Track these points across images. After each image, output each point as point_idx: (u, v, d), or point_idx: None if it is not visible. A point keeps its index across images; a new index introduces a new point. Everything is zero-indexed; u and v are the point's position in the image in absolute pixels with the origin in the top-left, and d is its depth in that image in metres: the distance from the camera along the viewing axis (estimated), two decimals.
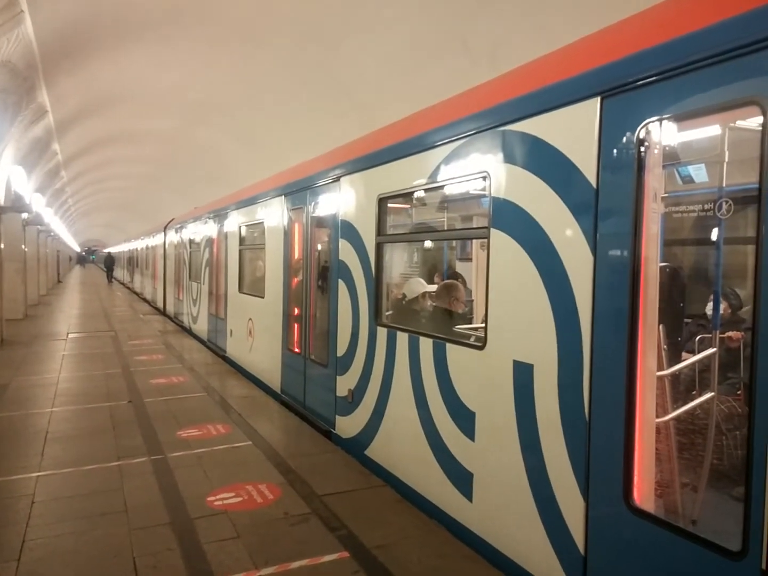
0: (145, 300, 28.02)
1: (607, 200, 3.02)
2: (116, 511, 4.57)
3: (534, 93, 3.61)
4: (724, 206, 2.98)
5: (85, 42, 11.40)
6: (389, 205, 5.57)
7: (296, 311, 7.81)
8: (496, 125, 3.86)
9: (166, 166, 26.26)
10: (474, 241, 7.26)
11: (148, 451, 5.96)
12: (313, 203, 7.20)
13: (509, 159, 3.75)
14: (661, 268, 3.02)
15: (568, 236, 3.26)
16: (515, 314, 3.70)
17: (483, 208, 5.32)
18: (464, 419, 4.13)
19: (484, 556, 3.86)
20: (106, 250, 63.94)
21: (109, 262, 48.75)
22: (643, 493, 2.87)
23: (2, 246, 13.97)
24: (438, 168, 4.53)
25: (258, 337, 9.58)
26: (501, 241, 3.80)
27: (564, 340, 3.26)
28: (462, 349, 4.27)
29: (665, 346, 3.17)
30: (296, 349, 7.75)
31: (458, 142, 4.27)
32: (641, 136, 2.83)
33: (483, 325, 4.06)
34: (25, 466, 5.54)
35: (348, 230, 6.07)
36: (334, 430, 6.40)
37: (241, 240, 10.77)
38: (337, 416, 6.35)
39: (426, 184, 4.76)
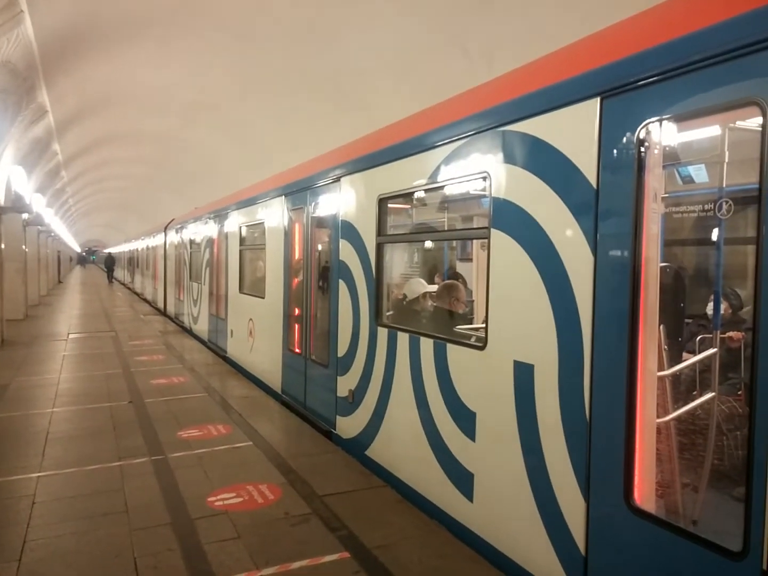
0: (145, 300, 28.03)
1: (608, 200, 3.02)
2: (117, 512, 4.57)
3: (534, 93, 3.61)
4: (725, 206, 2.98)
5: (85, 42, 11.40)
6: (389, 205, 5.57)
7: (297, 311, 7.81)
8: (497, 125, 3.86)
9: (165, 167, 26.27)
10: (474, 241, 7.26)
11: (149, 452, 5.96)
12: (313, 203, 7.20)
13: (509, 159, 3.75)
14: (661, 268, 3.02)
15: (568, 236, 3.26)
16: (516, 314, 3.70)
17: (483, 209, 5.32)
18: (465, 419, 4.14)
19: (485, 557, 3.86)
20: (107, 251, 63.96)
21: (110, 262, 48.78)
22: (644, 494, 2.87)
23: (3, 246, 13.98)
24: (438, 168, 4.53)
25: (258, 338, 9.58)
26: (501, 241, 3.80)
27: (564, 340, 3.26)
28: (463, 349, 4.27)
29: (666, 347, 3.17)
30: (297, 350, 7.75)
31: (458, 142, 4.27)
32: (641, 136, 2.83)
33: (483, 325, 4.06)
34: (26, 467, 5.54)
35: (348, 230, 6.07)
36: (335, 430, 6.40)
37: (242, 240, 10.77)
38: (337, 416, 6.35)
39: (426, 184, 4.76)
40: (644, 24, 3.08)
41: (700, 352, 3.71)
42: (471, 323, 6.05)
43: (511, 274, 3.74)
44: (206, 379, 9.61)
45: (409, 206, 6.89)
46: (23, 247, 18.11)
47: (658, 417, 3.01)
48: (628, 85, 2.90)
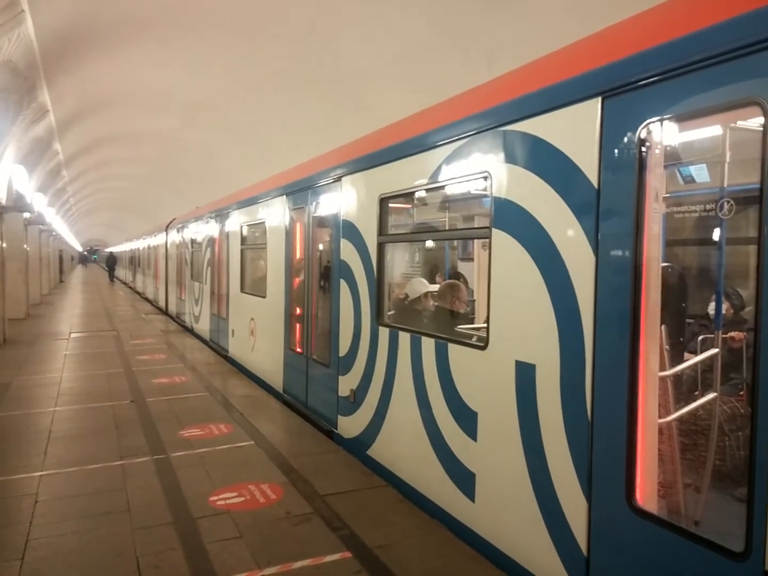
0: (147, 299, 28.05)
1: (609, 200, 3.02)
2: (119, 511, 4.58)
3: (535, 93, 3.60)
4: (726, 206, 2.97)
5: (86, 42, 11.41)
6: (391, 205, 5.57)
7: (298, 311, 7.81)
8: (498, 125, 3.86)
9: (165, 166, 26.29)
10: (475, 241, 7.26)
11: (151, 451, 5.97)
12: (314, 203, 7.20)
13: (511, 159, 3.75)
14: (663, 268, 3.02)
15: (569, 236, 3.26)
16: (517, 314, 3.70)
17: (484, 208, 5.32)
18: (466, 419, 4.14)
19: (487, 557, 3.86)
20: (108, 250, 63.99)
21: (111, 261, 48.83)
22: (646, 494, 2.87)
23: (4, 245, 13.99)
24: (439, 168, 4.53)
25: (260, 337, 9.59)
26: (503, 241, 3.80)
27: (566, 340, 3.26)
28: (464, 349, 4.27)
29: (667, 347, 3.17)
30: (298, 349, 7.76)
31: (459, 142, 4.27)
32: (642, 136, 2.83)
33: (485, 325, 4.06)
34: (28, 466, 5.55)
35: (349, 230, 6.07)
36: (336, 430, 6.40)
37: (243, 240, 10.77)
38: (339, 416, 6.35)
39: (427, 184, 4.76)
40: (645, 24, 3.08)
41: (701, 353, 3.71)
42: (472, 323, 6.05)
43: (512, 273, 3.74)
44: (208, 379, 9.62)
45: (411, 206, 6.90)
46: (24, 246, 18.13)
47: (659, 417, 3.01)
48: (629, 85, 2.89)
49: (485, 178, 3.99)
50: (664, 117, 2.76)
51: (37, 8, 8.99)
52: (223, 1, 10.31)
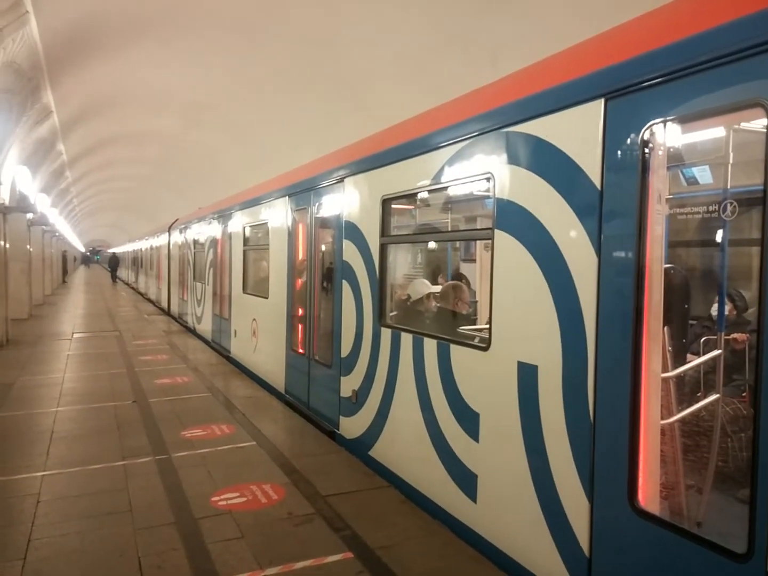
0: (149, 300, 28.09)
1: (612, 202, 3.02)
2: (121, 511, 4.58)
3: (538, 94, 3.61)
4: (729, 208, 2.97)
5: (89, 43, 11.44)
6: (393, 206, 5.58)
7: (300, 312, 7.82)
8: (501, 126, 3.86)
9: (168, 167, 26.35)
10: (478, 242, 7.26)
11: (153, 451, 5.98)
12: (317, 204, 7.21)
13: (513, 160, 3.75)
14: (665, 269, 3.02)
15: (572, 237, 3.26)
16: (519, 315, 3.70)
17: (487, 210, 5.32)
18: (468, 420, 4.13)
19: (488, 558, 3.85)
20: (111, 251, 64.09)
21: (114, 262, 48.92)
22: (648, 495, 2.86)
23: (7, 246, 14.03)
24: (442, 169, 4.53)
25: (262, 338, 9.60)
26: (505, 242, 3.80)
27: (568, 341, 3.26)
28: (466, 350, 4.27)
29: (670, 348, 3.17)
30: (300, 350, 7.76)
31: (462, 143, 4.27)
32: (645, 137, 2.83)
33: (487, 326, 4.06)
34: (31, 466, 5.56)
35: (352, 231, 6.08)
36: (338, 430, 6.40)
37: (246, 240, 10.79)
38: (341, 417, 6.35)
39: (430, 185, 4.76)
40: (649, 25, 3.08)
41: (704, 354, 3.71)
42: (474, 324, 6.05)
43: (514, 275, 3.74)
44: (210, 379, 9.63)
45: (413, 207, 6.90)
46: (28, 246, 18.17)
47: (662, 418, 3.01)
48: (632, 87, 2.89)
49: (488, 179, 4.00)
50: (667, 118, 2.76)
51: (41, 9, 9.02)
52: (224, 1, 10.34)
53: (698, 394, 3.93)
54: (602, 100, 3.06)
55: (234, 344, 11.48)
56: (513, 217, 3.73)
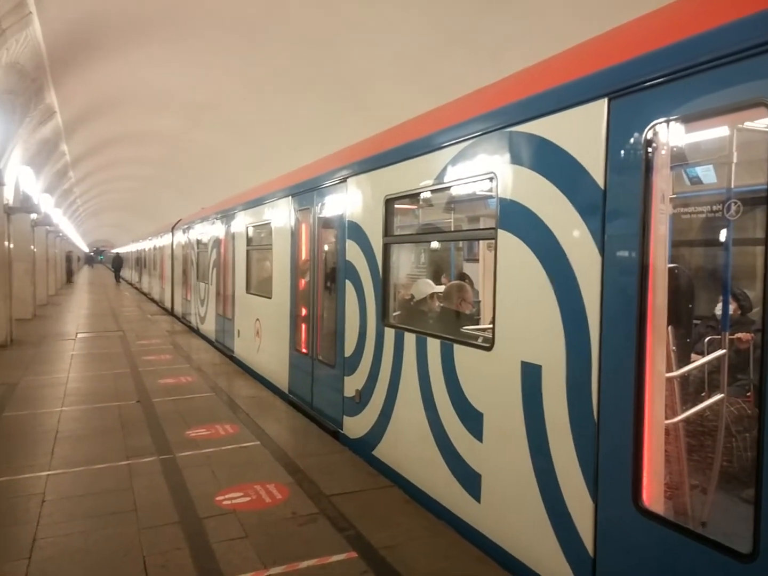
0: (153, 300, 28.14)
1: (615, 201, 3.02)
2: (125, 511, 4.60)
3: (541, 94, 3.60)
4: (733, 207, 2.97)
5: (93, 43, 11.48)
6: (396, 206, 5.58)
7: (303, 312, 7.83)
8: (504, 126, 3.86)
9: (171, 167, 26.41)
10: (481, 242, 7.26)
11: (157, 451, 5.99)
12: (320, 204, 7.21)
13: (516, 160, 3.75)
14: (669, 269, 3.01)
15: (575, 237, 3.26)
16: (523, 315, 3.70)
17: (490, 209, 5.32)
18: (472, 420, 4.14)
19: (493, 558, 3.85)
20: (114, 251, 64.19)
21: (117, 262, 49.00)
22: (653, 495, 2.86)
23: (11, 246, 14.06)
24: (445, 169, 4.53)
25: (265, 338, 9.61)
26: (508, 242, 3.80)
27: (572, 341, 3.25)
28: (470, 349, 4.27)
29: (674, 348, 3.17)
30: (303, 350, 7.77)
31: (465, 143, 4.27)
32: (649, 137, 2.82)
33: (490, 325, 4.06)
34: (35, 465, 5.58)
35: (355, 231, 6.08)
36: (342, 430, 6.41)
37: (249, 240, 10.80)
38: (344, 416, 6.36)
39: (433, 185, 4.76)
40: (652, 25, 3.07)
41: (708, 354, 3.70)
42: (478, 324, 6.05)
43: (518, 274, 3.74)
44: (213, 379, 9.64)
45: (416, 207, 6.90)
46: (31, 247, 18.21)
47: (666, 418, 3.00)
48: (635, 86, 2.89)
49: (491, 179, 3.99)
50: (671, 118, 2.75)
51: (45, 10, 9.04)
52: (225, 2, 10.36)
53: (702, 394, 3.93)
54: (605, 100, 3.06)
55: (237, 344, 11.50)
56: (516, 217, 3.73)
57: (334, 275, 6.86)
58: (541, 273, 3.48)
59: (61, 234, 31.96)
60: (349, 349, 6.21)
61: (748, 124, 2.87)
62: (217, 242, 13.36)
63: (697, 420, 3.61)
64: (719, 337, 3.51)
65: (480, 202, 6.54)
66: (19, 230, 16.06)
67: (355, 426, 6.07)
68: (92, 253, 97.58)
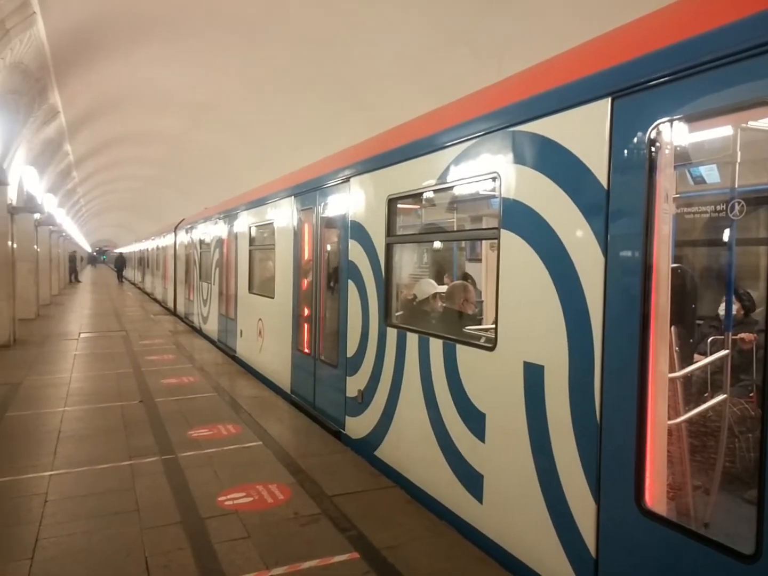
0: (155, 300, 28.18)
1: (618, 201, 3.01)
2: (128, 511, 4.60)
3: (544, 94, 3.60)
4: (737, 207, 2.95)
5: (96, 43, 11.51)
6: (399, 205, 5.57)
7: (306, 312, 7.83)
8: (507, 126, 3.85)
9: (173, 167, 26.45)
10: (484, 241, 7.25)
11: (160, 451, 5.99)
12: (322, 204, 7.21)
13: (519, 160, 3.74)
14: (672, 269, 3.00)
15: (578, 237, 3.25)
16: (526, 315, 3.69)
17: (493, 209, 5.31)
18: (474, 420, 4.13)
19: (495, 558, 3.85)
20: (117, 251, 64.30)
21: (120, 262, 49.08)
22: (655, 496, 2.85)
23: (15, 246, 14.10)
24: (448, 169, 4.53)
25: (268, 338, 9.61)
26: (511, 242, 3.79)
27: (575, 341, 3.25)
28: (472, 350, 4.27)
29: (677, 348, 3.16)
30: (306, 350, 7.77)
31: (468, 142, 4.26)
32: (652, 136, 2.81)
33: (493, 326, 4.06)
34: (38, 465, 5.59)
35: (358, 231, 6.08)
36: (344, 430, 6.41)
37: (251, 240, 10.81)
38: (346, 417, 6.36)
39: (436, 184, 4.76)
40: (655, 24, 3.06)
41: (711, 354, 3.69)
42: (480, 324, 6.04)
43: (521, 274, 3.73)
44: (216, 379, 9.65)
45: (419, 207, 6.89)
46: (35, 247, 18.25)
47: (669, 419, 3.00)
48: (639, 86, 2.88)
49: (494, 178, 3.99)
50: (675, 117, 2.74)
51: (48, 10, 9.06)
52: (226, 2, 10.37)
53: (705, 395, 3.92)
54: (609, 99, 3.05)
55: (240, 344, 11.51)
56: (519, 217, 3.72)
57: (336, 275, 6.86)
58: (544, 273, 3.48)
59: (64, 234, 32.01)
60: (351, 349, 6.21)
61: (752, 123, 2.86)
62: (219, 242, 13.37)
63: (699, 420, 3.59)
64: (722, 337, 3.49)
65: (483, 202, 6.53)
66: (23, 230, 16.09)
67: (358, 426, 6.07)
68: (95, 253, 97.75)
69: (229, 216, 12.42)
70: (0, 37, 8.59)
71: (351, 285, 6.22)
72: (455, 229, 7.57)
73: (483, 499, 4.04)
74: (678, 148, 3.07)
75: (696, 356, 3.96)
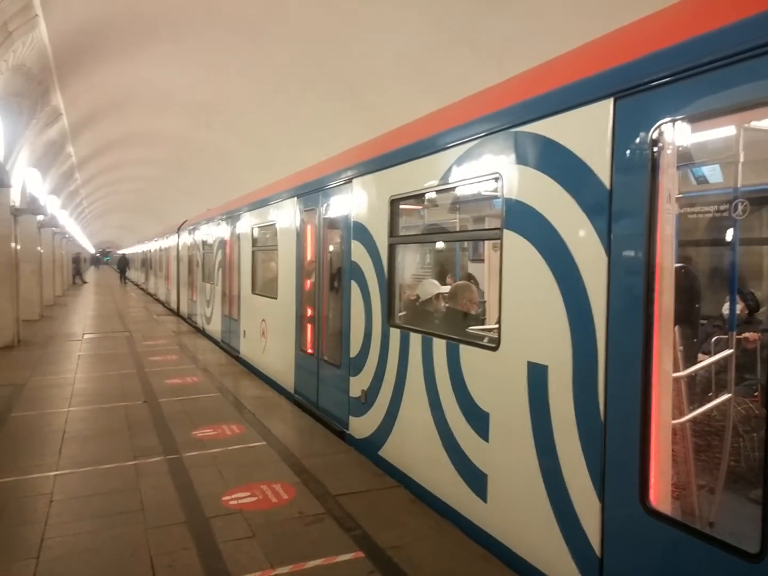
0: (158, 301, 28.22)
1: (621, 201, 3.01)
2: (133, 510, 4.62)
3: (547, 94, 3.60)
4: (740, 207, 2.96)
5: (98, 45, 11.53)
6: (401, 206, 5.58)
7: (309, 312, 7.84)
8: (509, 126, 3.86)
9: (176, 168, 26.49)
10: (486, 242, 7.26)
11: (164, 451, 6.01)
12: (325, 205, 7.22)
13: (522, 160, 3.75)
14: (676, 269, 3.01)
15: (581, 237, 3.25)
16: (529, 315, 3.70)
17: (495, 210, 5.32)
18: (478, 420, 4.14)
19: (499, 557, 3.86)
20: (120, 252, 64.38)
21: (122, 263, 49.14)
22: (660, 495, 2.85)
23: (18, 248, 14.13)
24: (450, 169, 4.54)
25: (271, 338, 9.63)
26: (514, 242, 3.80)
27: (578, 341, 3.25)
28: (475, 350, 4.28)
29: (681, 348, 3.16)
30: (309, 350, 7.78)
31: (470, 143, 4.27)
32: (655, 137, 2.82)
33: (496, 326, 4.06)
34: (43, 465, 5.61)
35: (360, 231, 6.09)
36: (348, 430, 6.42)
37: (254, 241, 10.82)
38: (350, 417, 6.37)
39: (438, 185, 4.76)
40: (658, 24, 3.07)
41: (715, 353, 3.69)
42: (483, 324, 6.05)
43: (524, 274, 3.74)
44: (219, 379, 9.67)
45: (421, 207, 6.90)
46: (38, 248, 18.29)
47: (673, 418, 3.00)
48: (641, 86, 2.89)
49: (496, 179, 3.99)
50: (677, 118, 2.75)
51: (51, 12, 9.09)
52: (227, 3, 10.39)
53: (710, 394, 3.92)
54: (611, 100, 3.05)
55: (243, 344, 11.53)
56: (522, 217, 3.73)
57: (339, 276, 6.87)
58: (547, 273, 3.48)
59: (67, 235, 32.09)
60: (354, 349, 6.22)
61: (754, 124, 2.87)
62: (222, 243, 13.39)
63: (704, 420, 3.60)
64: (726, 336, 3.50)
65: (485, 203, 6.55)
66: (26, 232, 16.13)
67: (361, 426, 6.08)
68: (98, 255, 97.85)
69: (232, 217, 12.44)
70: (3, 40, 8.62)
71: (354, 285, 6.22)
72: (458, 229, 7.58)
73: (487, 498, 4.05)
74: (680, 149, 3.07)
75: (700, 356, 3.96)
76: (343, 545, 4.05)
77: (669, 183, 2.87)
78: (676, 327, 3.02)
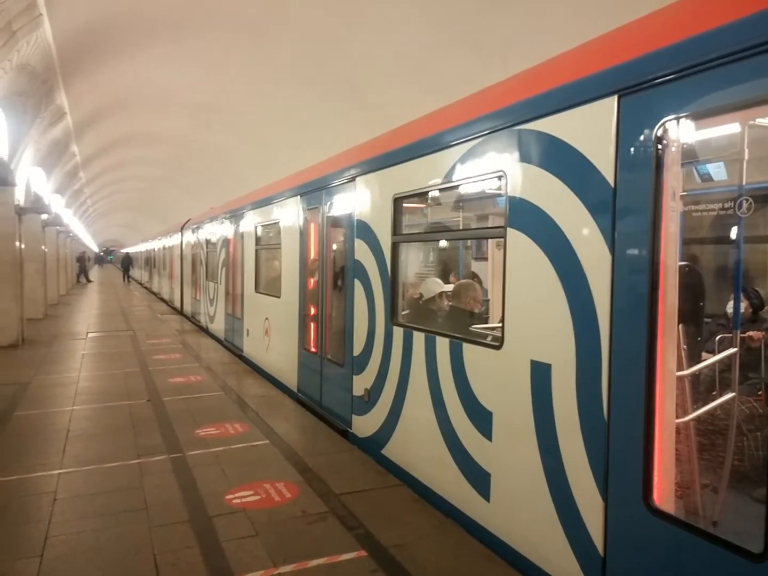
0: (162, 300, 28.27)
1: (625, 199, 3.00)
2: (136, 509, 4.62)
3: (550, 92, 3.59)
4: (744, 204, 2.94)
5: (102, 44, 11.56)
6: (404, 204, 5.58)
7: (312, 311, 7.84)
8: (513, 124, 3.85)
9: (179, 167, 26.55)
10: (490, 240, 7.24)
11: (167, 450, 6.02)
12: (328, 203, 7.22)
13: (525, 158, 3.74)
14: (680, 267, 2.99)
15: (585, 235, 3.24)
16: (532, 314, 3.69)
17: (499, 208, 5.31)
18: (481, 419, 4.13)
19: (502, 556, 3.85)
20: (124, 251, 64.50)
21: (126, 262, 49.23)
22: (663, 494, 2.85)
23: (22, 246, 14.17)
24: (453, 167, 4.53)
25: (274, 337, 9.64)
26: (518, 240, 3.79)
27: (582, 339, 3.24)
28: (479, 348, 4.27)
29: (685, 346, 3.15)
30: (312, 349, 7.79)
31: (474, 141, 4.26)
32: (659, 134, 2.80)
33: (499, 324, 4.05)
34: (47, 464, 5.62)
35: (363, 230, 6.08)
36: (351, 429, 6.42)
37: (258, 240, 10.83)
38: (353, 415, 6.36)
39: (441, 183, 4.76)
40: (662, 21, 3.05)
41: (719, 352, 3.68)
42: (486, 322, 6.04)
43: (527, 273, 3.73)
44: (223, 378, 9.68)
45: (424, 205, 6.89)
46: (42, 247, 18.34)
47: (677, 417, 2.99)
48: (646, 83, 2.87)
49: (500, 177, 3.98)
50: (682, 115, 2.73)
51: (55, 11, 9.10)
52: (230, 3, 10.40)
53: (713, 393, 3.91)
54: (615, 97, 3.04)
55: (246, 343, 11.54)
56: (526, 215, 3.72)
57: (342, 274, 6.87)
58: (551, 271, 3.47)
59: (71, 234, 32.15)
60: (357, 348, 6.22)
61: (759, 121, 2.85)
62: (226, 242, 13.41)
63: (708, 419, 3.58)
64: (730, 335, 3.48)
65: (489, 201, 6.53)
66: (30, 231, 16.16)
67: (364, 425, 6.08)
68: (102, 253, 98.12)
69: (236, 216, 12.45)
70: (7, 39, 8.63)
71: (357, 284, 6.22)
72: (461, 227, 7.56)
73: (490, 497, 4.04)
74: (685, 146, 3.05)
75: (704, 354, 3.95)
76: (346, 544, 4.05)
77: (673, 180, 2.86)
78: (680, 325, 3.01)
